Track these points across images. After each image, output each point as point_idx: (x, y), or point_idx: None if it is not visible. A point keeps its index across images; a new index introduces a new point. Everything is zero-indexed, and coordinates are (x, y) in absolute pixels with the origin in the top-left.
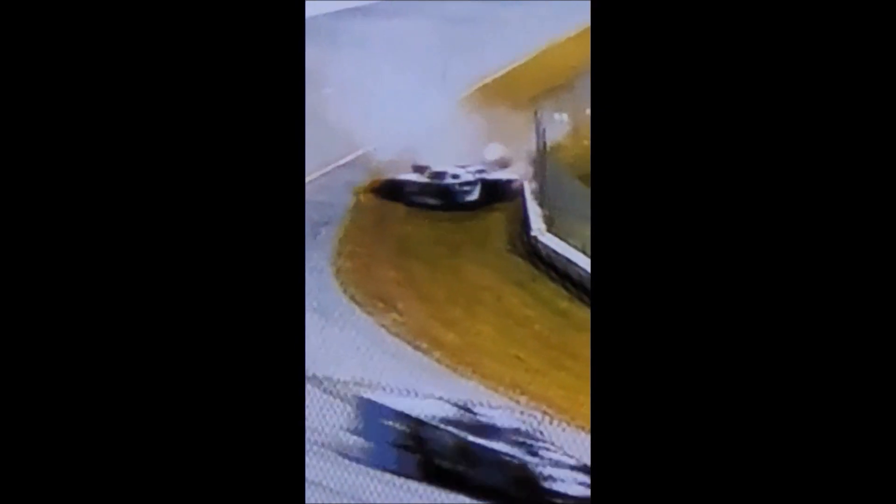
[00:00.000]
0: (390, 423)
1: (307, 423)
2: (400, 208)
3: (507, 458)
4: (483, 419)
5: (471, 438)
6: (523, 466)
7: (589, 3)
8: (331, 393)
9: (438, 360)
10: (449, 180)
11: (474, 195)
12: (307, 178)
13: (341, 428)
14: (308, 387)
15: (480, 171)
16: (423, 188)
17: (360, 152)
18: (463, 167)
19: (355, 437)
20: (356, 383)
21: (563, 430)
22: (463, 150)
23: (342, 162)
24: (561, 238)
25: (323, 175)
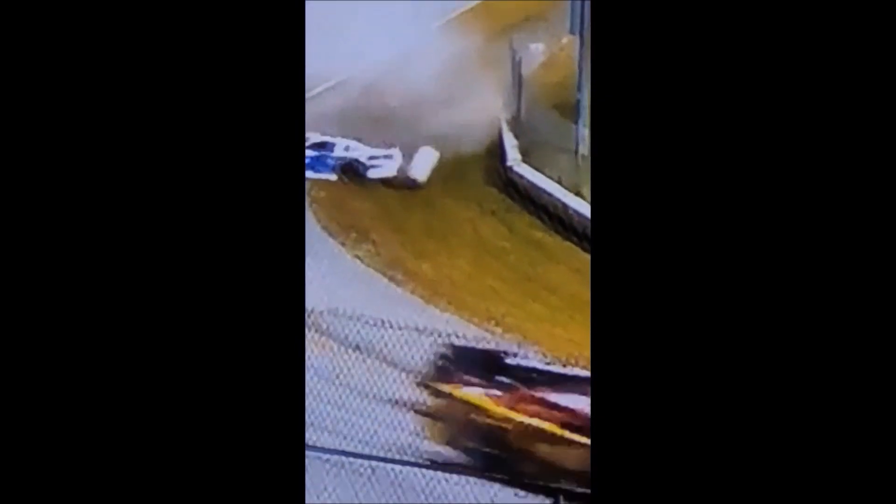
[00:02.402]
0: None
1: None
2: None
3: None
4: None
5: None
6: None
7: None
8: (305, 324)
9: (413, 292)
10: (340, 152)
11: (391, 170)
12: None
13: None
14: None
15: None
16: (315, 160)
17: (332, 82)
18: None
19: None
20: (330, 313)
21: (540, 361)
22: (437, 81)
23: (315, 92)
24: (537, 169)
25: None
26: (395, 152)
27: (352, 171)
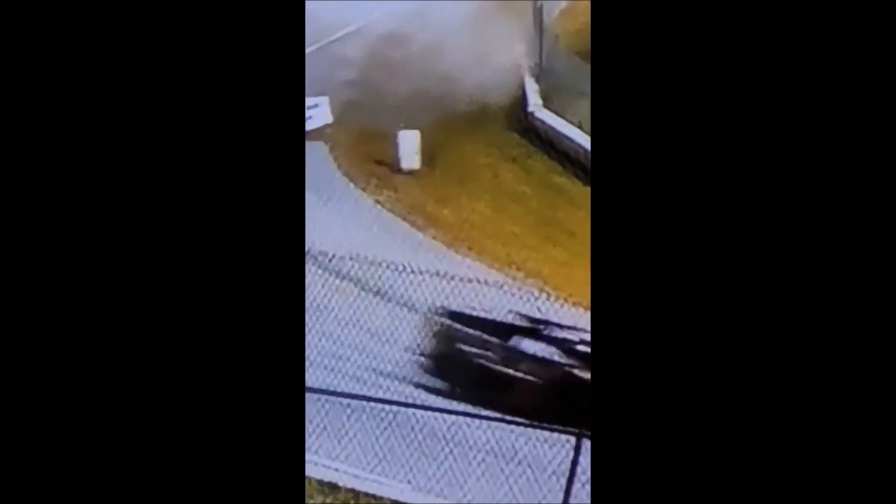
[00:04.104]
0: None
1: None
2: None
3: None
4: None
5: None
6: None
7: None
8: (327, 269)
9: (434, 237)
10: None
11: (323, 119)
12: None
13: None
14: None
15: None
16: None
17: (352, 28)
18: None
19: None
20: (351, 259)
21: (561, 306)
22: (457, 29)
23: (334, 37)
24: (558, 114)
25: (316, 50)
26: (322, 101)
27: None
